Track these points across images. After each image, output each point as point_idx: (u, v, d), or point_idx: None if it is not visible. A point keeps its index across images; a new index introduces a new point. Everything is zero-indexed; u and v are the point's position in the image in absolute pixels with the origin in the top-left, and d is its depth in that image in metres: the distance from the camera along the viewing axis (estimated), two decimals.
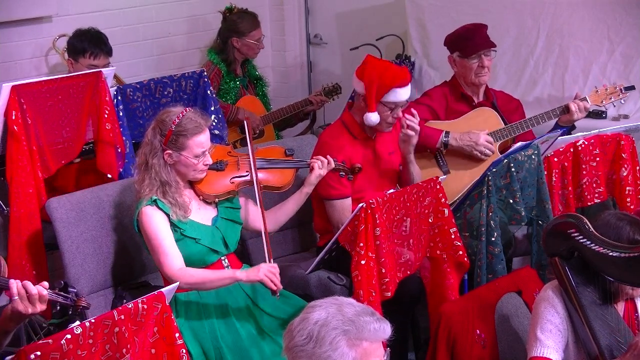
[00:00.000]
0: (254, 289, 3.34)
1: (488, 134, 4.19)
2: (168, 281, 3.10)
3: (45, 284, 2.53)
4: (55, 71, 4.74)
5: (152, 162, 3.16)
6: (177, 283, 2.74)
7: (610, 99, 4.19)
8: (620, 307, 2.69)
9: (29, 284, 2.48)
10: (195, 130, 3.15)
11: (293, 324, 1.94)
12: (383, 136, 3.83)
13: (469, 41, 4.23)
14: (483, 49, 4.22)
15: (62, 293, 2.59)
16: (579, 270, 2.64)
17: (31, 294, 2.46)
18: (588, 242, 2.54)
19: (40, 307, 2.50)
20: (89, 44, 4.30)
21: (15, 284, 2.46)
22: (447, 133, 4.14)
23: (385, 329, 1.93)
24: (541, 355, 2.59)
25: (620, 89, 4.19)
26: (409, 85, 3.70)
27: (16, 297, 2.45)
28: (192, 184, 3.29)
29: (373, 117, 3.65)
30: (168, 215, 3.14)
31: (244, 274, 3.13)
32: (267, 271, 3.09)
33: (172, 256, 3.10)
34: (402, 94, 3.66)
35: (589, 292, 2.64)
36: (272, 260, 3.19)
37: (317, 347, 1.88)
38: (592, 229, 2.55)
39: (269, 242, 3.26)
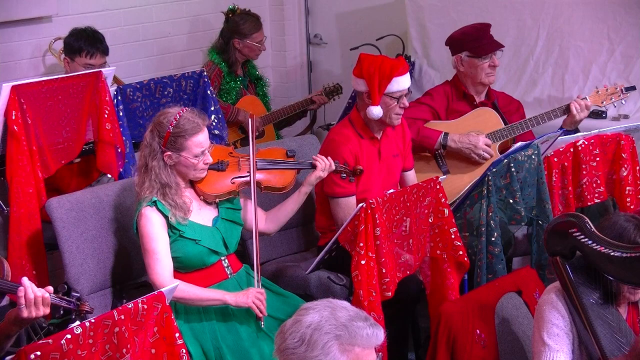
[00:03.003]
0: None
1: (488, 135, 4.19)
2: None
3: (50, 288, 2.54)
4: (54, 71, 4.74)
5: (151, 164, 3.16)
6: (177, 283, 2.74)
7: (611, 99, 4.19)
8: (623, 310, 2.69)
9: (33, 286, 2.49)
10: (194, 130, 3.15)
11: (285, 326, 1.93)
12: (388, 137, 3.83)
13: (480, 41, 4.22)
14: (494, 48, 4.22)
15: (65, 297, 2.60)
16: (581, 270, 2.64)
17: (36, 296, 2.47)
18: (589, 242, 2.54)
19: (44, 310, 2.50)
20: (85, 43, 4.30)
21: (24, 292, 2.46)
22: (446, 134, 4.14)
23: (378, 334, 1.92)
24: None
25: (621, 90, 4.19)
26: (408, 73, 3.72)
27: (23, 306, 2.46)
28: (193, 184, 3.29)
29: (375, 111, 3.66)
30: (167, 218, 3.14)
31: (233, 298, 3.17)
32: (255, 297, 3.17)
33: (163, 265, 3.11)
34: (404, 82, 3.68)
35: (590, 291, 2.64)
36: (260, 285, 3.25)
37: (308, 350, 1.87)
38: (593, 228, 2.55)
39: (260, 267, 3.31)
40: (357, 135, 3.74)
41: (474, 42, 4.23)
